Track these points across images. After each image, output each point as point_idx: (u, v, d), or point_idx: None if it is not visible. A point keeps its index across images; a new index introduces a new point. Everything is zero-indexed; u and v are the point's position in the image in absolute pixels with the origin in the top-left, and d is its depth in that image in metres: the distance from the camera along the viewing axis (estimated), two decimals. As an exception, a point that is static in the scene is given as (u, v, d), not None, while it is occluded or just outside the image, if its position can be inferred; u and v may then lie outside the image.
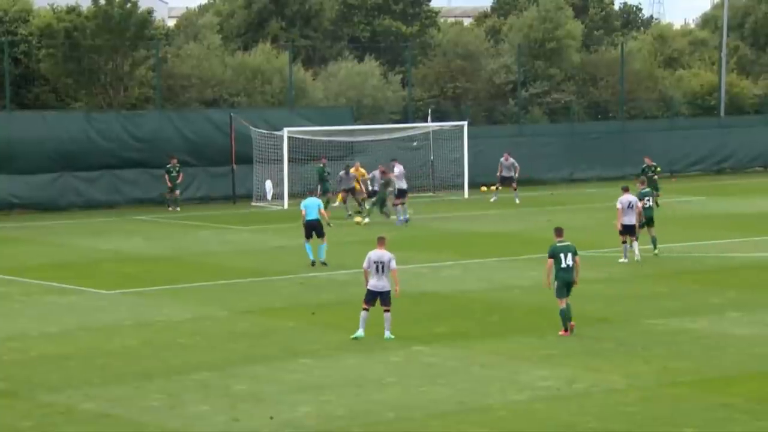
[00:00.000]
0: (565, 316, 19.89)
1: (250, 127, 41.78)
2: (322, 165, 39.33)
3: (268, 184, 41.23)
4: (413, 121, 47.61)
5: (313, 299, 23.31)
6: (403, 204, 35.69)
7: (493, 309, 22.30)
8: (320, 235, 27.49)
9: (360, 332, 19.52)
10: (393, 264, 19.46)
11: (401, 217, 35.31)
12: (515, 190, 41.55)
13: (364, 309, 19.53)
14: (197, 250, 30.83)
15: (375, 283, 19.44)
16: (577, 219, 35.66)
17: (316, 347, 19.09)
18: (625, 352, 18.77)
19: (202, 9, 60.56)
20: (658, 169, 37.93)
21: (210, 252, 30.42)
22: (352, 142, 43.49)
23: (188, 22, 55.03)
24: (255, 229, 35.18)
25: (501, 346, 19.23)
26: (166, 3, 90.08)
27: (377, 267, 19.42)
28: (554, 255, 20.08)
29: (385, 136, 43.43)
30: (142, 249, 31.10)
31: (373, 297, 19.49)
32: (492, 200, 41.67)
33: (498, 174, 41.94)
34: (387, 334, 19.59)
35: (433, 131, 44.99)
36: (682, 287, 24.61)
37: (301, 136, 41.32)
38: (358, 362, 18.19)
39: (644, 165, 39.45)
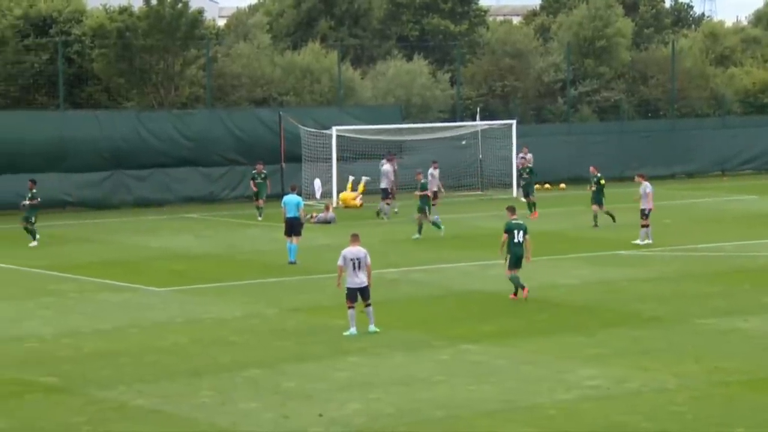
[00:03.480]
0: (517, 283, 22.40)
1: (299, 126, 41.95)
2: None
3: (317, 182, 41.39)
4: (462, 120, 47.53)
5: (361, 297, 23.34)
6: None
7: (541, 307, 22.22)
8: (296, 234, 27.35)
9: (352, 330, 19.73)
10: (368, 260, 19.73)
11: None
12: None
13: (350, 308, 19.75)
14: (246, 248, 31.00)
15: (353, 280, 19.66)
16: (627, 217, 35.38)
17: (364, 345, 19.13)
18: (675, 351, 18.63)
19: (252, 9, 60.92)
20: (602, 181, 34.19)
21: (259, 250, 30.57)
22: (400, 140, 43.53)
23: (238, 21, 55.39)
24: (303, 228, 35.21)
25: (549, 344, 19.16)
26: (217, 3, 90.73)
27: (354, 264, 19.61)
28: (509, 230, 22.46)
29: (434, 135, 43.43)
30: (192, 247, 31.33)
31: (354, 294, 19.70)
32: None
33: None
34: (371, 327, 19.80)
35: (482, 130, 44.89)
36: (733, 287, 24.36)
37: (349, 135, 41.42)
38: (406, 360, 18.20)
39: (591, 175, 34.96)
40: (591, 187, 34.35)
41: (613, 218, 34.06)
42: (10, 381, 17.18)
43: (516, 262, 22.50)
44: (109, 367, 17.91)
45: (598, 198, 33.96)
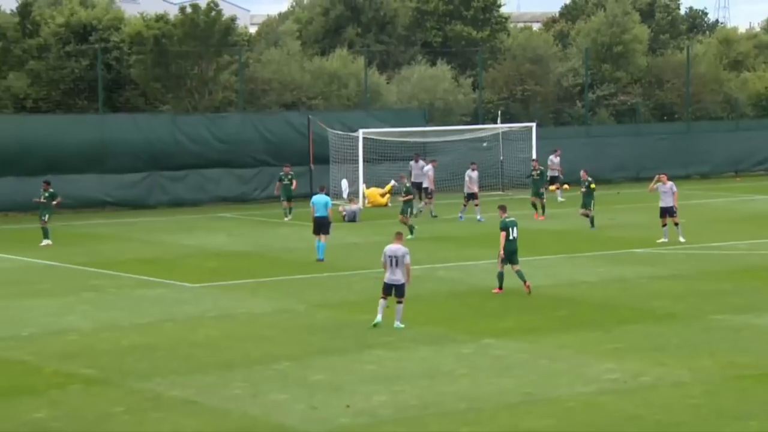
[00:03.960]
0: (501, 279, 22.75)
1: (327, 129, 42.00)
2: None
3: (344, 182, 41.42)
4: (483, 123, 47.45)
5: (387, 293, 23.32)
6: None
7: (560, 304, 22.14)
8: (325, 232, 27.34)
9: (378, 318, 19.81)
10: (407, 259, 19.68)
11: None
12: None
13: (382, 298, 19.87)
14: (277, 246, 31.04)
15: (389, 276, 19.71)
16: (643, 217, 35.27)
17: (390, 339, 19.12)
18: (690, 346, 18.52)
19: (282, 16, 61.16)
20: (593, 186, 33.35)
21: (288, 248, 30.60)
22: (424, 142, 43.54)
23: (269, 29, 55.62)
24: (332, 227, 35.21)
25: (568, 340, 19.08)
26: (249, 11, 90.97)
27: (391, 261, 19.64)
28: (505, 228, 22.71)
29: (457, 137, 43.42)
30: (224, 245, 31.39)
31: (388, 289, 19.78)
32: (560, 200, 41.29)
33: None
34: (396, 323, 19.80)
35: (503, 132, 44.81)
36: (746, 284, 24.19)
37: (375, 137, 41.45)
38: (430, 354, 18.18)
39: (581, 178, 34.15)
40: (582, 189, 33.71)
41: (592, 223, 33.10)
42: (53, 373, 17.29)
43: (508, 257, 22.76)
44: (145, 360, 17.98)
45: (586, 200, 33.24)
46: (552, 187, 41.33)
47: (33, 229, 32.62)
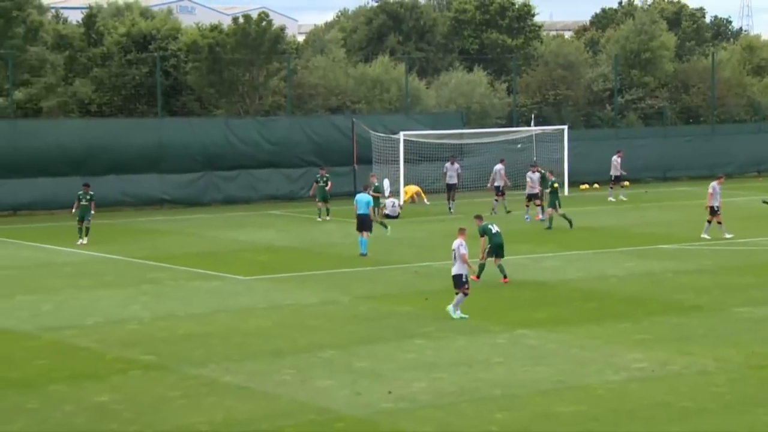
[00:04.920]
0: (501, 271, 23.39)
1: (370, 131, 42.04)
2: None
3: (386, 182, 41.42)
4: (518, 126, 47.27)
5: (426, 286, 23.32)
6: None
7: (591, 296, 22.00)
8: (367, 229, 27.32)
9: (458, 313, 19.91)
10: (460, 250, 19.84)
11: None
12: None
13: (456, 293, 20.02)
14: (323, 242, 31.11)
15: (452, 268, 19.92)
16: (670, 215, 34.97)
17: (429, 330, 19.10)
18: (714, 337, 18.33)
19: (328, 26, 61.28)
20: (555, 185, 32.60)
21: (334, 243, 30.66)
22: (461, 144, 43.47)
23: (316, 37, 55.74)
24: (374, 224, 35.17)
25: (598, 330, 18.96)
26: (297, 21, 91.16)
27: (452, 254, 19.92)
28: (485, 231, 23.32)
29: (492, 139, 43.32)
30: (274, 240, 31.52)
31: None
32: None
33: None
34: (449, 306, 19.92)
35: (536, 134, 44.62)
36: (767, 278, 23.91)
37: (415, 139, 41.44)
38: (467, 343, 18.14)
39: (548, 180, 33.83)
40: (547, 189, 33.20)
41: (570, 223, 32.26)
42: (114, 359, 17.46)
43: (497, 251, 23.34)
44: (200, 347, 18.09)
45: (552, 201, 32.66)
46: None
47: (99, 225, 32.79)
